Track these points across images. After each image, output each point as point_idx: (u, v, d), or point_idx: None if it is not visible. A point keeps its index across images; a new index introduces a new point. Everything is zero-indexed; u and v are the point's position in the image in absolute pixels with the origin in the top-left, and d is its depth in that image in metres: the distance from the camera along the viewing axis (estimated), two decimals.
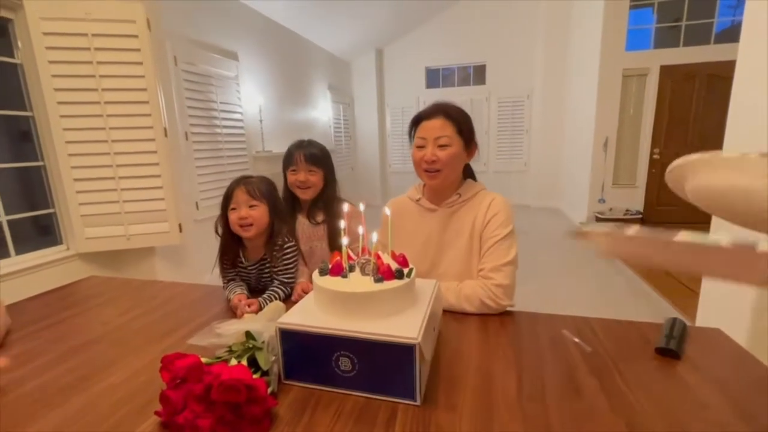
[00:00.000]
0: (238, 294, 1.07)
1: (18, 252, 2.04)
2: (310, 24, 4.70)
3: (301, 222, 1.38)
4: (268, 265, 1.15)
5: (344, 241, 0.74)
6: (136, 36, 2.11)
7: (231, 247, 1.15)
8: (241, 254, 1.16)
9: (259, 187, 1.11)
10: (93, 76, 2.07)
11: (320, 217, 1.37)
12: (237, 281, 1.16)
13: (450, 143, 1.03)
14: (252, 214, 1.08)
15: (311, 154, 1.32)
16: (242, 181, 1.11)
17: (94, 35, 2.04)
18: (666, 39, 4.55)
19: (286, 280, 1.14)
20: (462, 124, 1.05)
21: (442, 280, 1.01)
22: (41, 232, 2.24)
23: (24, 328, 0.98)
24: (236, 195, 1.09)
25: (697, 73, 4.42)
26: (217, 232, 1.16)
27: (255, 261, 1.15)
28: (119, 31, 2.09)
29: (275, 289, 1.11)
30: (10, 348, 0.89)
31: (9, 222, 2.00)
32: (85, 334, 0.95)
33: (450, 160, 1.04)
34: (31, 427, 0.62)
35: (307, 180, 1.32)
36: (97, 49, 2.06)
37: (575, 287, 3.18)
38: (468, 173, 1.18)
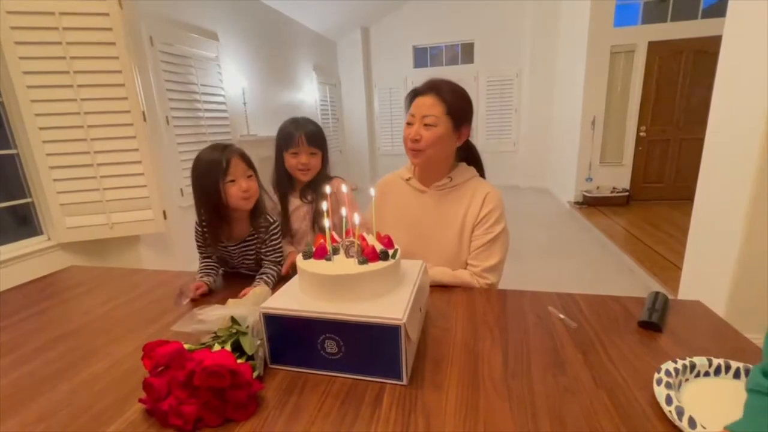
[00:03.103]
0: (197, 282, 1.05)
1: None
2: (292, 1, 4.54)
3: (294, 202, 1.34)
4: (253, 245, 1.13)
5: (327, 223, 0.73)
6: (107, 14, 2.01)
7: (216, 225, 1.08)
8: (222, 234, 1.11)
9: (248, 156, 1.08)
10: (64, 57, 1.97)
11: (311, 197, 1.32)
12: (211, 262, 1.14)
13: (436, 123, 1.00)
14: (252, 186, 1.05)
15: (313, 136, 1.25)
16: (231, 149, 1.03)
17: (62, 14, 1.94)
18: (654, 14, 4.51)
19: (276, 259, 1.13)
20: (452, 104, 1.00)
21: (429, 263, 1.02)
22: (20, 222, 2.17)
23: (3, 320, 0.95)
24: (234, 165, 1.01)
25: (684, 49, 4.41)
26: (201, 213, 1.07)
27: (239, 240, 1.12)
28: (88, 10, 1.98)
29: (268, 270, 1.10)
30: None
31: None
32: (66, 324, 0.93)
33: (434, 140, 1.01)
34: (13, 417, 0.61)
35: (308, 162, 1.25)
36: (66, 28, 1.95)
37: (562, 265, 3.24)
38: (473, 156, 1.15)
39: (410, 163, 1.16)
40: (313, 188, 1.31)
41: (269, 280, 1.07)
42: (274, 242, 1.12)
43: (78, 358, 0.77)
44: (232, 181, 1.01)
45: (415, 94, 1.05)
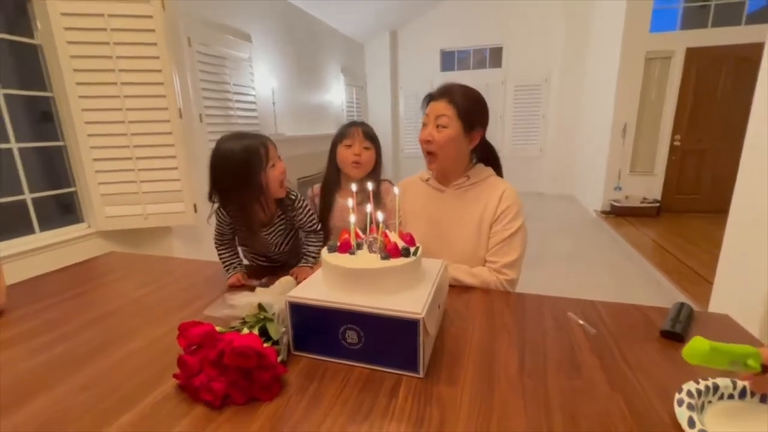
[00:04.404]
0: (233, 275, 1.10)
1: (42, 229, 2.12)
2: (323, 4, 4.63)
3: (339, 202, 1.34)
4: (283, 223, 1.19)
5: (352, 219, 0.76)
6: (150, 17, 2.12)
7: (253, 212, 1.09)
8: (256, 221, 1.14)
9: None
10: (110, 57, 2.10)
11: (359, 198, 1.26)
12: (231, 250, 1.18)
13: (448, 125, 1.03)
14: (284, 167, 1.10)
15: (367, 131, 1.29)
16: (259, 135, 1.09)
17: (110, 15, 2.06)
18: (694, 20, 4.34)
19: (313, 227, 1.20)
20: (463, 107, 1.04)
21: (448, 260, 1.04)
22: (64, 210, 2.32)
23: (46, 299, 1.03)
24: (271, 150, 1.06)
25: (725, 56, 4.22)
26: (238, 201, 1.08)
27: (270, 224, 1.17)
28: (134, 12, 2.10)
29: (310, 246, 1.18)
30: (33, 318, 0.94)
31: (33, 200, 2.08)
32: (105, 305, 1.00)
33: (445, 142, 1.04)
34: (59, 386, 0.67)
35: (361, 154, 1.26)
36: (113, 29, 2.08)
37: (585, 274, 3.16)
38: (491, 156, 1.17)
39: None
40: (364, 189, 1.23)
41: (313, 258, 1.16)
42: (306, 211, 1.18)
43: (117, 337, 0.83)
44: (273, 165, 1.05)
45: (430, 98, 1.10)
